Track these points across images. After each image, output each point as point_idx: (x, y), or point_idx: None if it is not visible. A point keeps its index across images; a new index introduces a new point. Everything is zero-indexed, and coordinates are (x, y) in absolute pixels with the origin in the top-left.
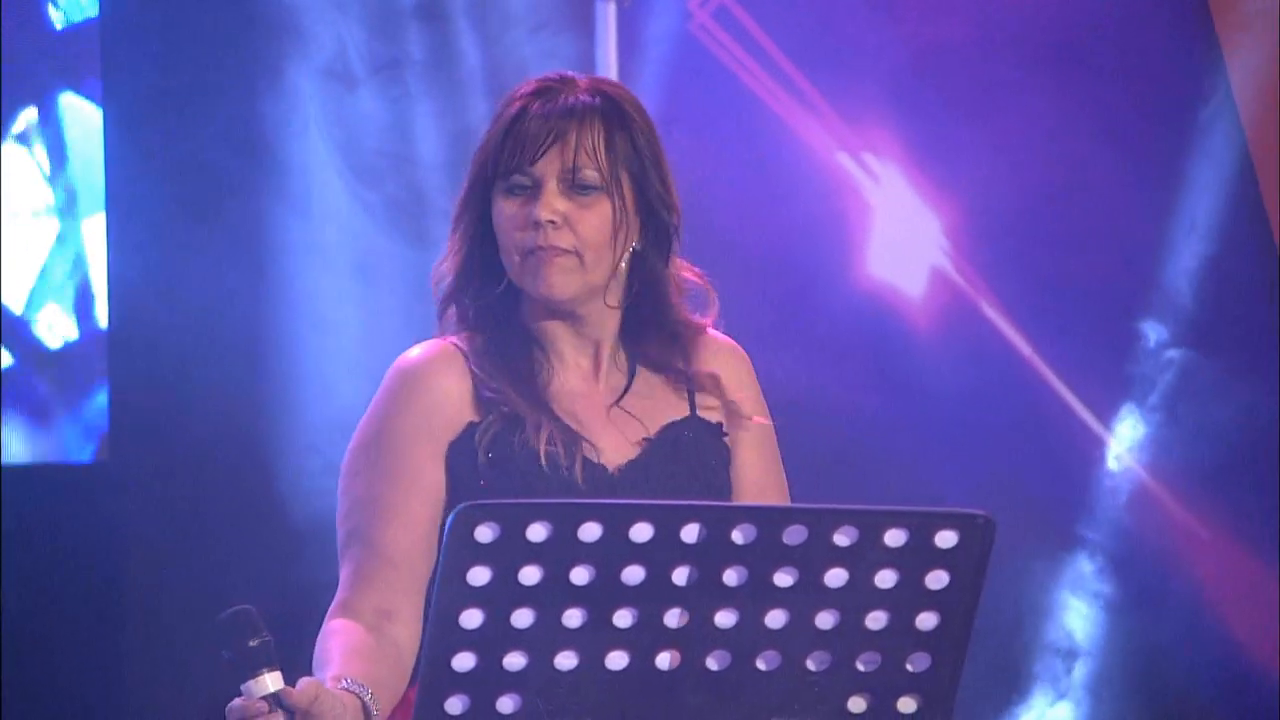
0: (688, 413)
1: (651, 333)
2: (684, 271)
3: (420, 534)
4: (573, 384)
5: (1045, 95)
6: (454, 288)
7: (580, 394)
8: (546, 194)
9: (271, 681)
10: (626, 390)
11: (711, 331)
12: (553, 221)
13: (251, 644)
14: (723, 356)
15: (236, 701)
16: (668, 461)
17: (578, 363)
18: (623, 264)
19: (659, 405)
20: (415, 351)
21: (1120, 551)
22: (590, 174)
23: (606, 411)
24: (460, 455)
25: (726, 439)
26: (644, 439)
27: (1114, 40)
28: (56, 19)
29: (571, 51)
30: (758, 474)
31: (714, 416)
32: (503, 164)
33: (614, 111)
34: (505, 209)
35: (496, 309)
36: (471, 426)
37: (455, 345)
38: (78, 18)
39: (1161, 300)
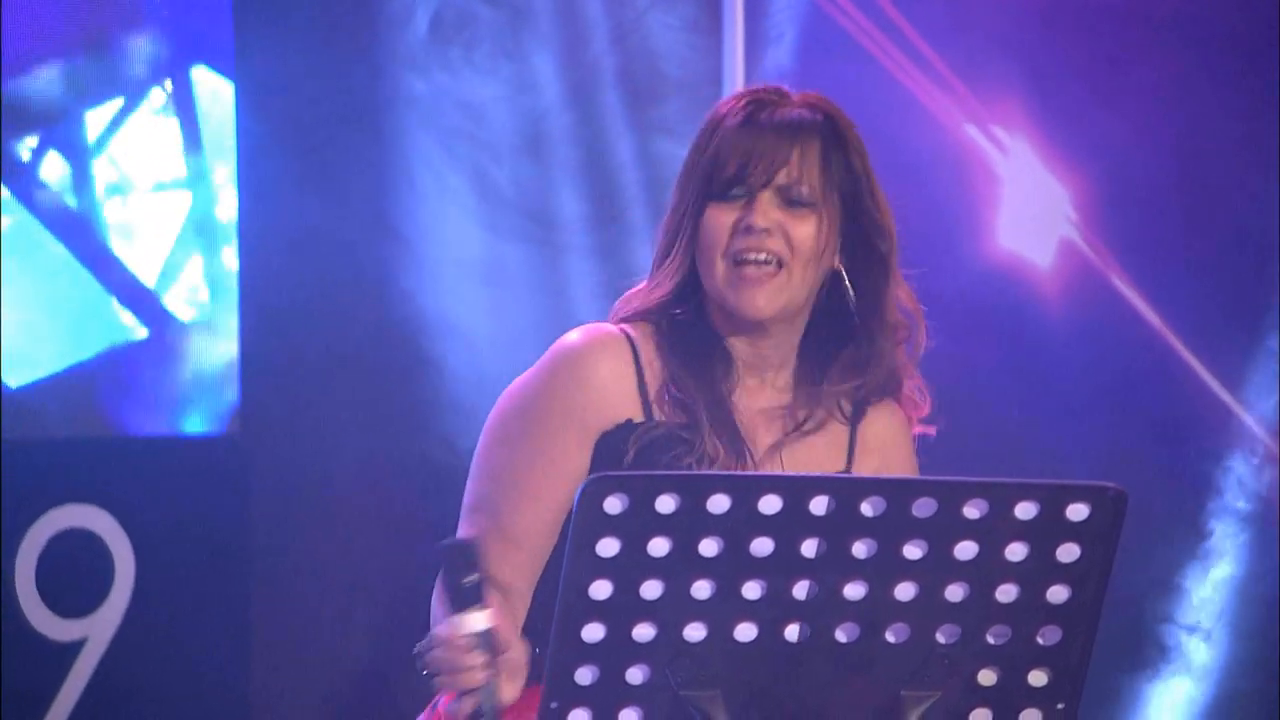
0: (844, 465)
1: (836, 366)
2: (905, 301)
3: (551, 518)
4: (746, 402)
5: (1175, 65)
6: (666, 299)
7: (754, 416)
8: (761, 202)
9: (479, 620)
10: (801, 426)
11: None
12: (768, 230)
13: (465, 581)
14: (890, 420)
15: (442, 628)
16: None
17: (753, 383)
18: (822, 284)
19: (819, 450)
20: (577, 335)
21: (1251, 527)
22: (805, 190)
23: (776, 444)
24: (610, 448)
25: None
26: None
27: (1246, 9)
28: None
29: (698, 21)
30: None
31: (869, 469)
32: (720, 176)
33: (832, 130)
34: (716, 215)
35: (686, 318)
36: (629, 425)
37: (625, 334)
38: None
39: None
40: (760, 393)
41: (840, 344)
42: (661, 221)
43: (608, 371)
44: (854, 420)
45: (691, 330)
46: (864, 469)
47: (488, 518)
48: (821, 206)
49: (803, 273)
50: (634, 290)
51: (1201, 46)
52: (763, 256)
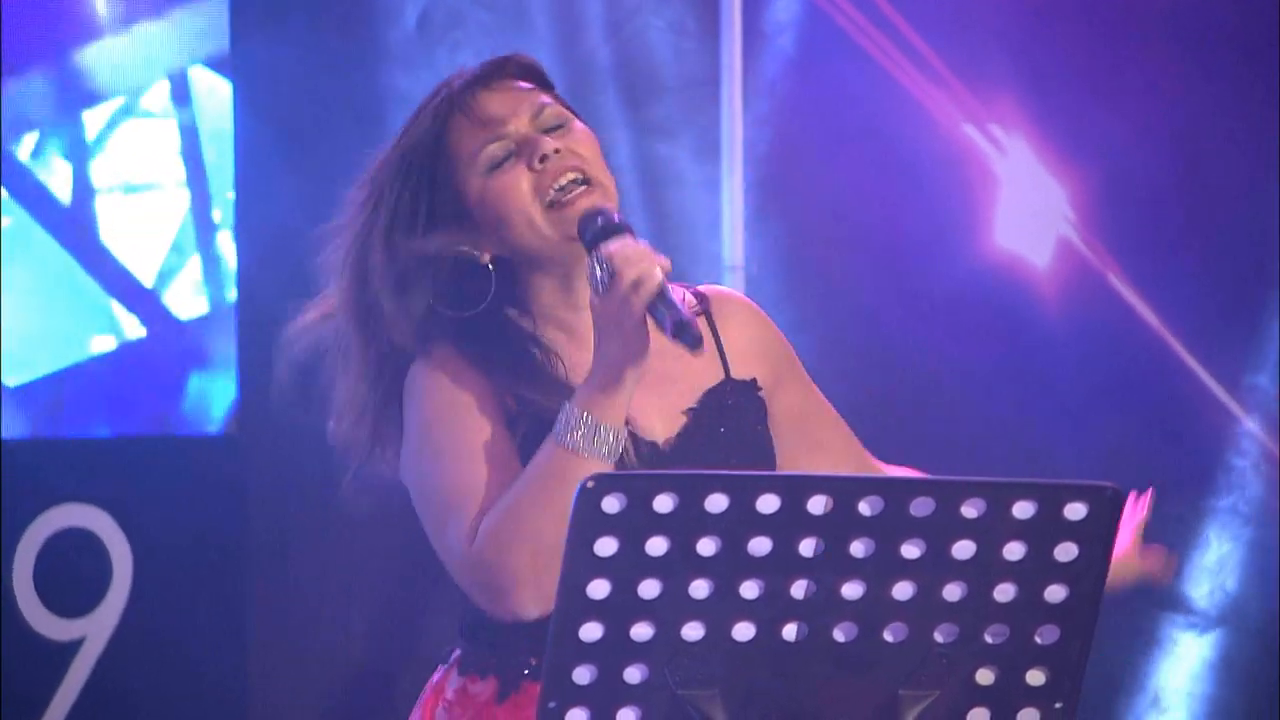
0: (722, 374)
1: None
2: None
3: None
4: (587, 359)
5: (1172, 65)
6: (440, 303)
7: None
8: (533, 139)
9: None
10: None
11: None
12: (557, 151)
13: (617, 223)
14: (745, 314)
15: (616, 244)
16: (714, 430)
17: (584, 333)
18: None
19: (693, 364)
20: (417, 365)
21: (1249, 526)
22: (553, 112)
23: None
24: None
25: (762, 394)
26: (688, 409)
27: (1245, 7)
28: None
29: (697, 21)
30: (800, 410)
31: (747, 373)
32: (463, 152)
33: (519, 62)
34: (496, 180)
35: (472, 309)
36: (511, 420)
37: (456, 352)
38: None
39: None
40: (588, 341)
41: None
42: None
43: (479, 381)
44: (707, 317)
45: (497, 334)
46: (742, 364)
47: (475, 503)
48: (571, 117)
49: (604, 178)
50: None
51: (1200, 45)
52: (570, 176)
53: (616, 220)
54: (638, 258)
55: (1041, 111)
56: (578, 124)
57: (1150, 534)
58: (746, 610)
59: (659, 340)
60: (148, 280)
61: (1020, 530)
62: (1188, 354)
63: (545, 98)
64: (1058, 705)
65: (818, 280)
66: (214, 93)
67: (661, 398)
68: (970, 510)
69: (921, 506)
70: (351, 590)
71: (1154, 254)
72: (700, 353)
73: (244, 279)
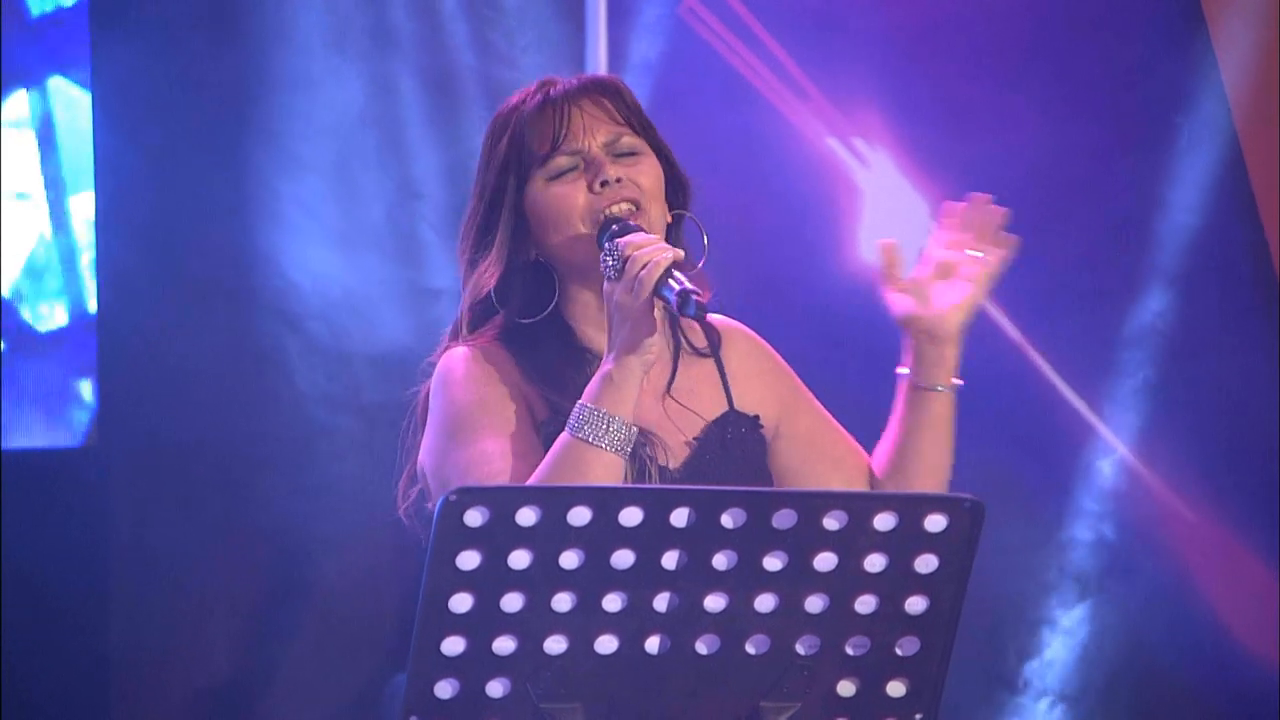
0: (726, 405)
1: None
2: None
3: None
4: None
5: (1035, 80)
6: (498, 295)
7: None
8: (599, 160)
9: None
10: (673, 377)
11: (713, 316)
12: (619, 179)
13: (629, 223)
14: (747, 345)
15: (629, 237)
16: (718, 460)
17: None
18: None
19: (702, 396)
20: (461, 350)
21: (1108, 537)
22: (627, 139)
23: (661, 402)
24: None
25: (763, 430)
26: (694, 439)
27: (1105, 27)
28: (44, 3)
29: (561, 35)
30: (809, 432)
31: (750, 408)
32: (541, 153)
33: (615, 85)
34: (554, 190)
35: (536, 315)
36: (543, 424)
37: (500, 347)
38: (66, 2)
39: (1152, 287)
40: None
41: None
42: (466, 224)
43: (514, 375)
44: (715, 350)
45: (548, 341)
46: (747, 397)
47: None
48: (645, 151)
49: (658, 212)
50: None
51: (1061, 63)
52: (625, 207)
53: (632, 224)
54: (647, 243)
55: (904, 126)
56: (649, 158)
57: (1011, 543)
58: (609, 623)
59: (668, 371)
60: (5, 291)
61: (881, 542)
62: (1047, 366)
63: (625, 126)
64: (918, 716)
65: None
66: (73, 104)
67: (677, 423)
68: (832, 522)
69: (784, 519)
70: (213, 598)
71: (1015, 268)
72: (705, 358)
73: (104, 290)
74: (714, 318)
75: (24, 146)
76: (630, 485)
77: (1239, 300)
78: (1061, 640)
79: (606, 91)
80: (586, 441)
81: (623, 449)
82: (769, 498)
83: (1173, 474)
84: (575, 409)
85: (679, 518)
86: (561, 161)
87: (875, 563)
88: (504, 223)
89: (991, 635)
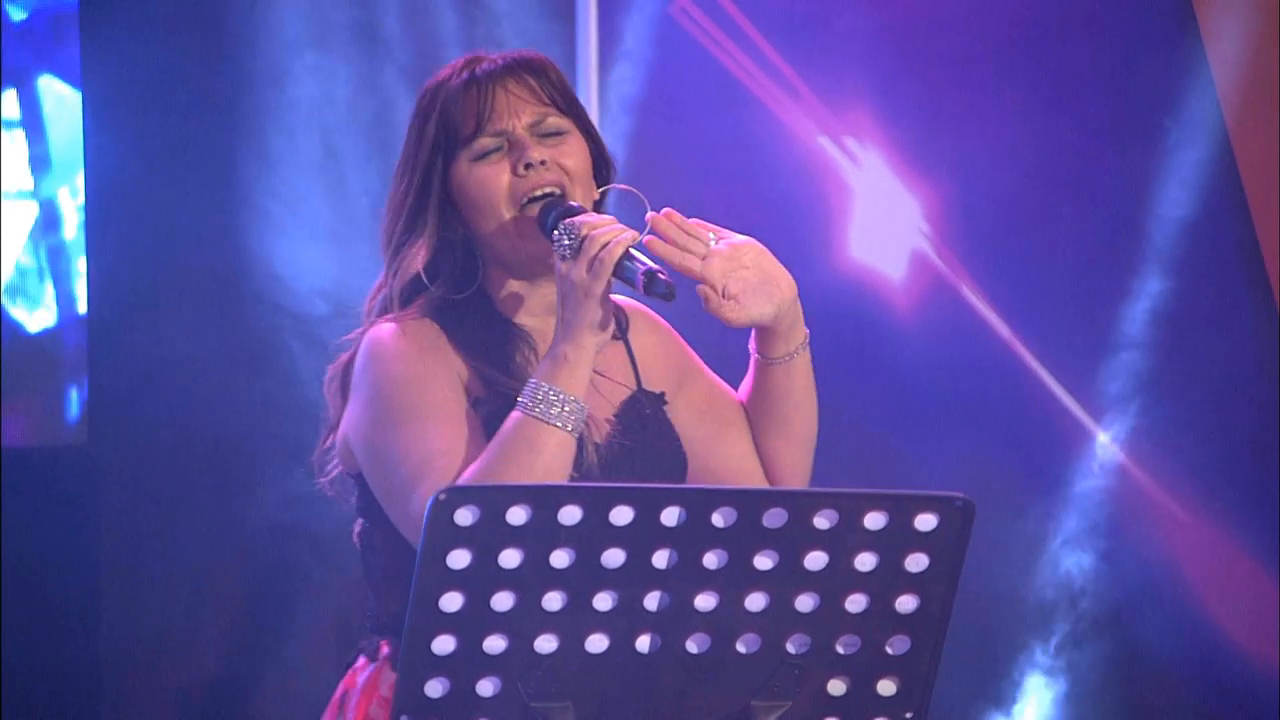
0: (635, 384)
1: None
2: None
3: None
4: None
5: (1026, 79)
6: (427, 273)
7: None
8: (524, 142)
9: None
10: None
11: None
12: (544, 162)
13: (573, 205)
14: (648, 325)
15: (584, 217)
16: (638, 437)
17: (546, 333)
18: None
19: (615, 375)
20: (391, 325)
21: (1100, 535)
22: (554, 119)
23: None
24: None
25: (667, 408)
26: (614, 415)
27: (1095, 25)
28: (34, 1)
29: (551, 33)
30: (704, 400)
31: (656, 386)
32: (464, 133)
33: (543, 64)
34: (479, 171)
35: (465, 291)
36: (477, 400)
37: (429, 321)
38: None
39: (1143, 286)
40: (547, 337)
41: None
42: (393, 203)
43: (445, 350)
44: (624, 333)
45: (476, 317)
46: (652, 376)
47: (443, 477)
48: (571, 131)
49: (583, 194)
50: (377, 286)
51: (1052, 61)
52: (548, 190)
53: (575, 204)
54: (605, 223)
55: (895, 125)
56: (575, 138)
57: (1001, 542)
58: (600, 622)
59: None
60: None
61: (872, 541)
62: (1039, 365)
63: (551, 106)
64: (908, 715)
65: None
66: (63, 102)
67: (596, 403)
68: (822, 521)
69: (774, 518)
70: (202, 598)
71: (1006, 267)
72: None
73: (94, 290)
74: (617, 299)
75: (14, 145)
76: (622, 485)
77: (1231, 299)
78: (1052, 639)
79: (532, 70)
80: (540, 419)
81: (576, 428)
82: (759, 496)
83: (1165, 473)
84: (528, 386)
85: (669, 516)
86: (486, 143)
87: (866, 561)
88: (433, 206)
89: (982, 633)
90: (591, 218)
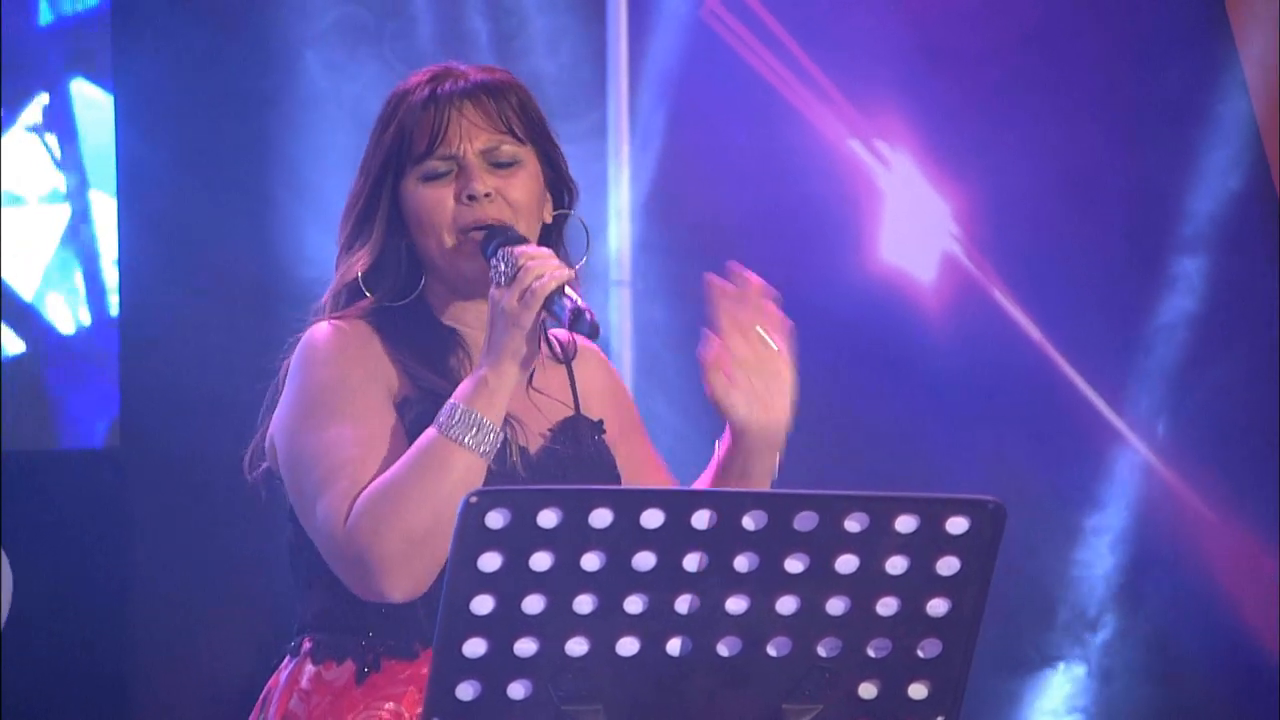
0: (574, 408)
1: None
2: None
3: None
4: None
5: (1057, 81)
6: (367, 281)
7: None
8: (472, 169)
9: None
10: (532, 375)
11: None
12: (488, 195)
13: (511, 234)
14: (597, 363)
15: (525, 249)
16: (571, 451)
17: (478, 349)
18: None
19: (555, 396)
20: (325, 327)
21: (1130, 537)
22: (508, 149)
23: (524, 392)
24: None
25: (605, 437)
26: (549, 430)
27: (1126, 26)
28: (66, 4)
29: (581, 37)
30: (640, 459)
31: (594, 414)
32: (416, 152)
33: (511, 87)
34: (427, 192)
35: (405, 299)
36: (406, 401)
37: (366, 324)
38: (89, 3)
39: (1174, 287)
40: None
41: None
42: (348, 207)
43: (378, 350)
44: (568, 360)
45: (414, 322)
46: (592, 407)
47: (353, 485)
48: (525, 161)
49: (526, 227)
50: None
51: (1083, 64)
52: (490, 224)
53: (518, 235)
54: (542, 256)
55: (925, 127)
56: (526, 169)
57: (1033, 544)
58: (631, 625)
59: (530, 367)
60: (27, 294)
61: (903, 544)
62: (1069, 367)
63: (507, 135)
64: (939, 718)
65: (704, 296)
66: (95, 105)
67: (530, 415)
68: (853, 524)
69: (805, 521)
70: (233, 601)
71: (1036, 269)
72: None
73: (126, 292)
74: (564, 333)
75: (46, 149)
76: (654, 488)
77: (1261, 300)
78: (1083, 642)
79: (493, 93)
80: (454, 441)
81: (489, 453)
82: (790, 500)
83: (1194, 474)
84: (446, 407)
85: (700, 520)
86: (435, 165)
87: (897, 565)
88: (380, 215)
89: (1013, 636)
90: (530, 248)
